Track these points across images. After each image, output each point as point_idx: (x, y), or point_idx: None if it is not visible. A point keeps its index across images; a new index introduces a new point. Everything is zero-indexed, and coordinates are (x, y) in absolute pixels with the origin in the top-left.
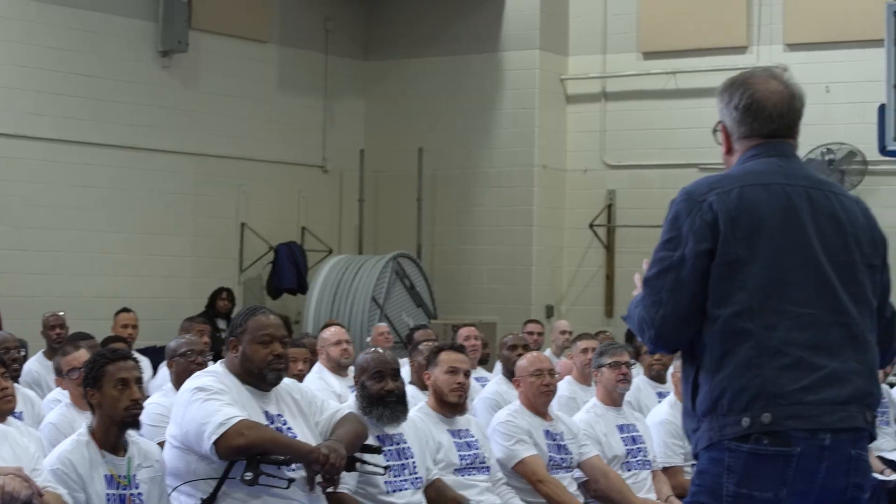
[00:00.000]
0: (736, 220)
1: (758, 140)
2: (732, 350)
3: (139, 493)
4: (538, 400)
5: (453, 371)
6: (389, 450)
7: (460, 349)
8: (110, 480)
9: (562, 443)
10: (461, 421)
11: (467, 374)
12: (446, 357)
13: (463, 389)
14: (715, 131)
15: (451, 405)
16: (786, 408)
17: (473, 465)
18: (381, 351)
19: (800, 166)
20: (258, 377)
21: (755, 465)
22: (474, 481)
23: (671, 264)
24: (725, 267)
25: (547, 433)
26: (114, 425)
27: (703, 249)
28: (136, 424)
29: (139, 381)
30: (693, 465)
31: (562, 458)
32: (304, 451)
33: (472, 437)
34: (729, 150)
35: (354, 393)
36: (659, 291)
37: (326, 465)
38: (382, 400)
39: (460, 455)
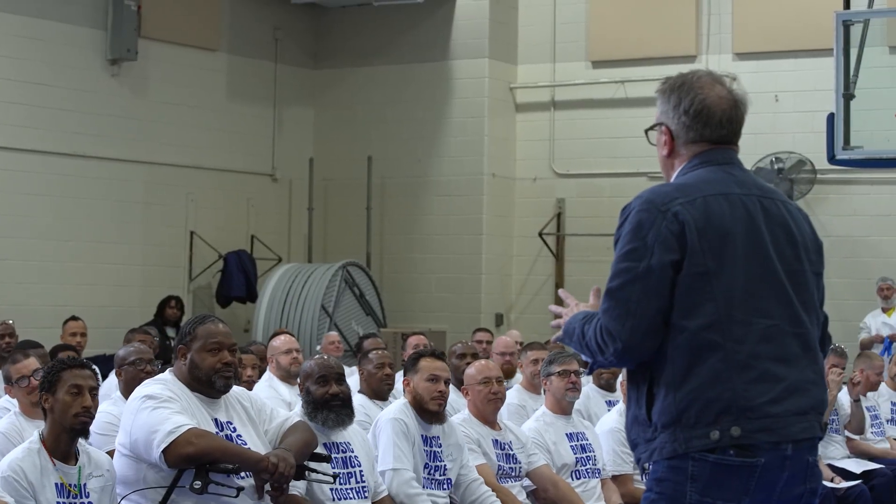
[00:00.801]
0: (703, 231)
1: (705, 145)
2: (699, 362)
3: (89, 502)
4: (486, 408)
5: (434, 379)
6: (336, 458)
7: (441, 357)
8: (61, 489)
9: (510, 452)
10: (435, 429)
11: (447, 383)
12: (427, 364)
13: (443, 398)
14: (650, 130)
15: (430, 413)
16: (754, 421)
17: (434, 477)
18: (324, 356)
19: (748, 175)
20: (207, 385)
21: (720, 475)
22: (434, 497)
23: (637, 275)
24: (693, 278)
25: (496, 442)
26: (64, 432)
27: (671, 260)
28: (85, 433)
29: (94, 390)
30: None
31: (510, 468)
32: (254, 459)
33: (440, 447)
34: (670, 153)
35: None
36: (626, 303)
37: (276, 473)
38: (327, 403)
39: (425, 464)
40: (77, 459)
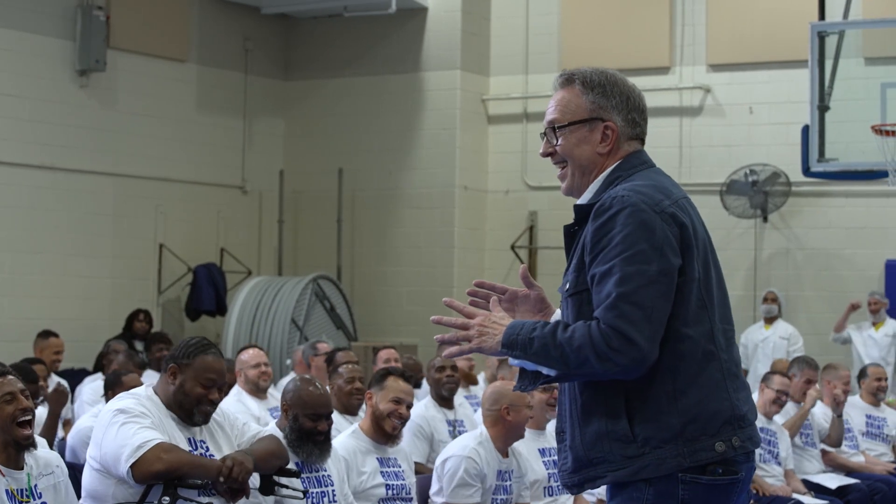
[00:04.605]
0: (694, 234)
1: (635, 145)
2: (700, 372)
3: (43, 503)
4: (519, 434)
5: (398, 401)
6: (309, 477)
7: (409, 379)
8: (11, 497)
9: (508, 483)
10: (391, 450)
11: (409, 406)
12: (394, 385)
13: (402, 421)
14: (559, 127)
15: (385, 434)
16: (745, 430)
17: (399, 496)
18: (318, 387)
19: None
20: (186, 413)
21: (711, 496)
22: None
23: (650, 278)
24: (692, 284)
25: (499, 473)
26: (10, 446)
27: (678, 264)
28: (29, 443)
29: (24, 392)
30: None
31: (504, 499)
32: (214, 467)
33: (400, 467)
34: (611, 151)
35: (277, 420)
36: (643, 308)
37: (228, 477)
38: (312, 438)
39: (386, 485)
40: (23, 466)
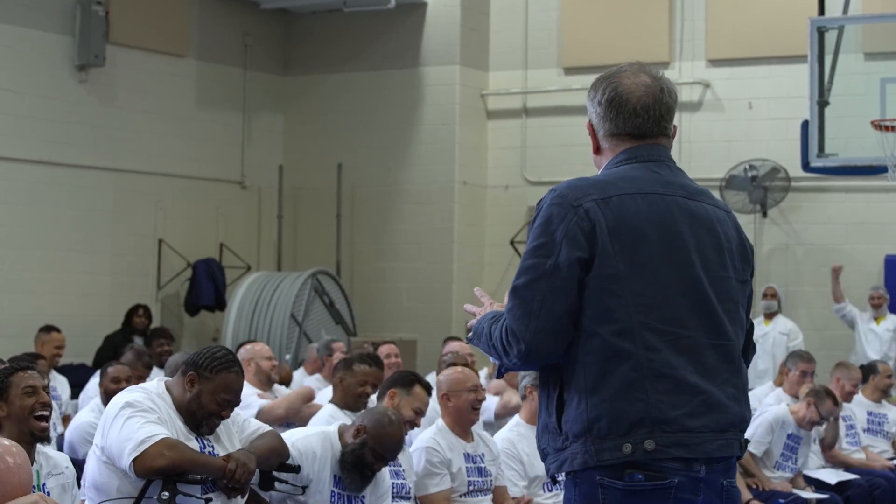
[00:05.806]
0: (615, 231)
1: (629, 141)
2: (612, 370)
3: None
4: (470, 417)
5: (418, 412)
6: (341, 494)
7: (430, 389)
8: None
9: (482, 465)
10: None
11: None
12: (420, 395)
13: (413, 428)
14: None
15: None
16: (670, 435)
17: (399, 494)
18: (399, 430)
19: (677, 174)
20: (195, 422)
21: (633, 502)
22: None
23: (544, 272)
24: (604, 281)
25: (467, 456)
26: (23, 440)
27: (578, 258)
28: (44, 435)
29: (46, 388)
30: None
31: (481, 481)
32: (217, 466)
33: (401, 466)
34: (597, 150)
35: (340, 424)
36: (530, 302)
37: (232, 479)
38: (362, 469)
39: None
40: (34, 462)
